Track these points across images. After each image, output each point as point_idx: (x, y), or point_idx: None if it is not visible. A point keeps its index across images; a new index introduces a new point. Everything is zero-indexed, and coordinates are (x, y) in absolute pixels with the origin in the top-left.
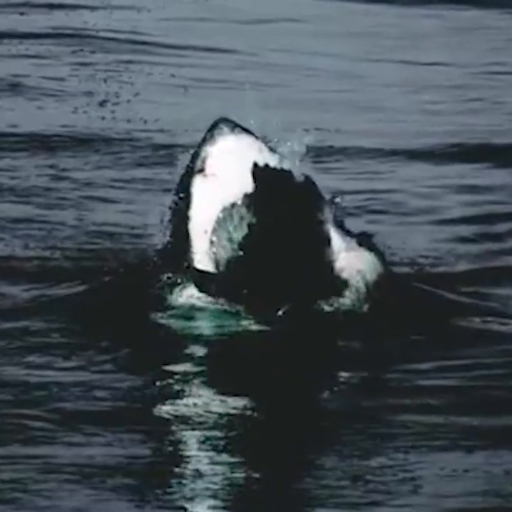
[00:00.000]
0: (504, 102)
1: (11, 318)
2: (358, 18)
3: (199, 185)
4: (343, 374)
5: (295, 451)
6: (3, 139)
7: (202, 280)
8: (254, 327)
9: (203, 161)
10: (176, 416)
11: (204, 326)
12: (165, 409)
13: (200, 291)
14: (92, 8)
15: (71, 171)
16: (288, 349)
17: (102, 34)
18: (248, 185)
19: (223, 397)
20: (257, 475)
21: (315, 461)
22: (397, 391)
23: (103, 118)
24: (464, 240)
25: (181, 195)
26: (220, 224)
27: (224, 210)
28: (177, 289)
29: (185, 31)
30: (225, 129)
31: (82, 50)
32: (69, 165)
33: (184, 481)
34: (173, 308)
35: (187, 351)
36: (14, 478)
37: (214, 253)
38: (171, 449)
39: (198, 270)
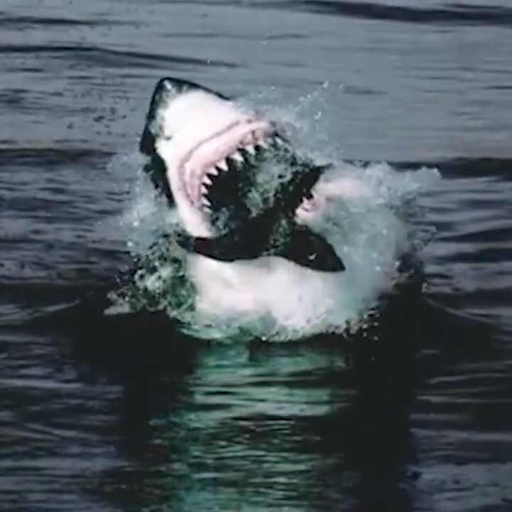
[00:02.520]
0: (510, 117)
1: (6, 333)
2: (360, 33)
3: (165, 150)
4: (349, 388)
5: (293, 461)
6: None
7: (198, 245)
8: (253, 335)
9: (161, 126)
10: (173, 427)
11: (199, 336)
12: (162, 421)
13: (200, 254)
14: (90, 23)
15: (68, 185)
16: (291, 361)
17: (99, 49)
18: (214, 140)
19: (221, 409)
20: (252, 486)
21: (310, 472)
22: (398, 405)
23: (99, 132)
24: (470, 255)
25: (152, 163)
26: (208, 186)
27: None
28: (172, 301)
29: (183, 46)
30: (173, 90)
31: (79, 65)
32: (66, 179)
33: (180, 492)
34: (168, 320)
35: (182, 362)
36: (11, 489)
37: (206, 215)
38: (168, 460)
39: (193, 237)
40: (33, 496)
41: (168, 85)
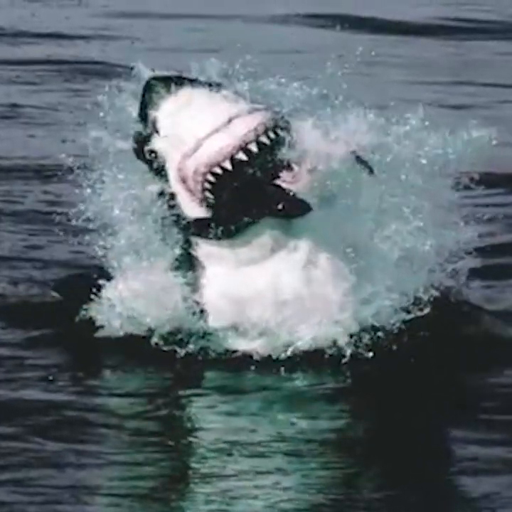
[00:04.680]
0: None
1: (2, 348)
2: (359, 48)
3: (163, 148)
4: (351, 403)
5: (291, 472)
6: None
7: (199, 226)
8: (256, 349)
9: (154, 125)
10: (170, 440)
11: (197, 349)
12: (158, 433)
13: (200, 237)
14: (87, 38)
15: (63, 199)
16: (293, 375)
17: (95, 63)
18: (216, 138)
19: (218, 423)
20: (252, 498)
21: (309, 484)
22: (398, 418)
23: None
24: (474, 270)
25: (147, 158)
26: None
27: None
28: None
29: (181, 61)
30: (162, 91)
31: (75, 79)
32: (61, 193)
33: (177, 504)
34: (164, 333)
35: (179, 375)
36: (7, 501)
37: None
38: (164, 472)
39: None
40: (28, 507)
41: (155, 87)
